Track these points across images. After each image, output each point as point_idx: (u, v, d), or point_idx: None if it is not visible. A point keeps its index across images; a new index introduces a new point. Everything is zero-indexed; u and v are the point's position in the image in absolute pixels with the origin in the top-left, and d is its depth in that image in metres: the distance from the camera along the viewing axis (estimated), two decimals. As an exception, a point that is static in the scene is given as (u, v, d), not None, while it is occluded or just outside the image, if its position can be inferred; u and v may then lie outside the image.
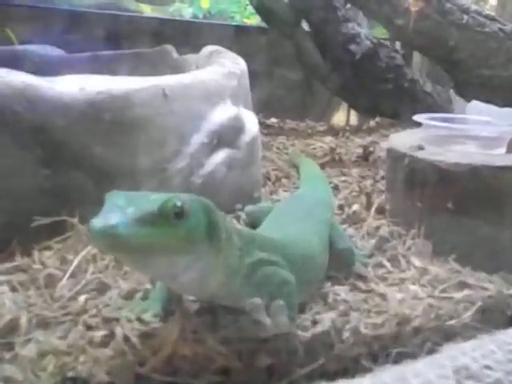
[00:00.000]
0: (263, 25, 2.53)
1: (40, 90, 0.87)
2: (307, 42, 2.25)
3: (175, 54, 1.66)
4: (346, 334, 0.73)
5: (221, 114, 1.18)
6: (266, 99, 2.63)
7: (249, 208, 1.11)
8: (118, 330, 0.68)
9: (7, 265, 0.82)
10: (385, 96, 2.43)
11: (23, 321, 0.69)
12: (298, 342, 0.69)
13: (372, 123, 2.58)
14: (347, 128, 2.44)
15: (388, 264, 0.98)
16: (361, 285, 0.89)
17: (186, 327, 0.67)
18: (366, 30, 2.31)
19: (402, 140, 1.20)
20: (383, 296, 0.85)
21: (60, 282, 0.79)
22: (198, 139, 1.12)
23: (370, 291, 0.87)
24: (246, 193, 1.21)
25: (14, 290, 0.77)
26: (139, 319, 0.71)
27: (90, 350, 0.65)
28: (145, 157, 1.01)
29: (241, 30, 2.50)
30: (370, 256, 1.00)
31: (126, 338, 0.67)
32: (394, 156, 1.16)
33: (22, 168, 0.87)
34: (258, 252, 0.69)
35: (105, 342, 0.67)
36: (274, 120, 2.62)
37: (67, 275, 0.79)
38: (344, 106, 2.84)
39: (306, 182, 1.29)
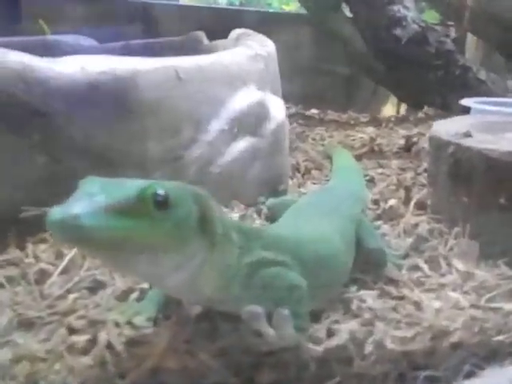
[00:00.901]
0: (302, 11, 2.42)
1: (38, 71, 0.80)
2: (348, 28, 2.11)
3: (206, 41, 1.58)
4: (368, 349, 0.62)
5: (243, 99, 1.08)
6: (306, 90, 2.52)
7: (271, 201, 1.01)
8: (102, 336, 0.60)
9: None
10: (434, 84, 2.25)
11: (3, 321, 0.62)
12: (308, 357, 0.59)
13: (420, 114, 2.41)
14: (392, 119, 2.29)
15: (425, 266, 0.85)
16: (391, 290, 0.77)
17: (177, 335, 0.58)
18: (413, 13, 2.14)
19: (446, 127, 1.06)
20: (417, 304, 0.73)
21: (52, 278, 0.72)
22: (216, 126, 1.03)
23: (401, 298, 0.75)
24: (270, 185, 1.11)
25: (0, 286, 0.71)
26: (130, 323, 0.63)
27: (68, 357, 0.57)
28: (156, 144, 0.93)
29: (279, 17, 2.39)
30: (405, 257, 0.88)
31: (110, 345, 0.59)
32: (437, 144, 1.02)
33: (18, 155, 0.81)
34: (260, 251, 0.59)
35: (86, 349, 0.59)
36: (314, 111, 2.50)
37: (58, 271, 0.72)
38: (392, 97, 2.68)
39: (337, 173, 1.17)
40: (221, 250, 0.55)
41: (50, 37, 1.79)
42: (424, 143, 1.58)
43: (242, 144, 1.07)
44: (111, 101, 0.86)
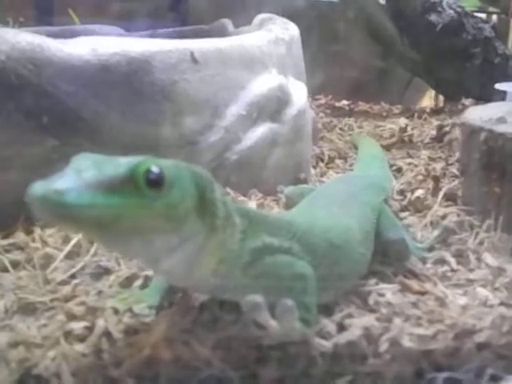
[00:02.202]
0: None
1: (47, 52, 0.78)
2: (381, 14, 2.03)
3: (231, 28, 1.55)
4: (383, 346, 0.57)
5: (263, 83, 1.04)
6: (338, 81, 2.44)
7: (289, 189, 0.97)
8: (100, 323, 0.57)
9: (5, 242, 0.74)
10: (471, 74, 2.14)
11: (0, 306, 0.61)
12: (317, 352, 0.55)
13: (459, 105, 2.30)
14: (426, 110, 2.19)
15: (452, 260, 0.79)
16: (413, 284, 0.71)
17: (175, 325, 0.55)
18: (449, -2, 2.04)
19: (479, 113, 0.99)
20: (440, 300, 0.67)
21: (56, 263, 0.70)
22: (234, 111, 0.99)
23: (423, 293, 0.69)
24: (290, 173, 1.07)
25: (4, 269, 0.70)
26: (130, 311, 0.60)
27: (64, 344, 0.55)
28: (170, 128, 0.90)
29: (310, 6, 2.33)
30: (431, 250, 0.82)
31: (107, 333, 0.56)
32: (469, 131, 0.95)
33: (27, 138, 0.79)
34: (265, 236, 0.55)
35: (83, 336, 0.56)
36: (344, 102, 2.42)
37: (61, 256, 0.70)
38: (430, 89, 2.58)
39: (360, 161, 1.11)
40: (221, 234, 0.52)
41: (78, 26, 1.80)
42: (458, 133, 1.51)
43: (261, 130, 1.02)
44: (124, 83, 0.83)
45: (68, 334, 0.57)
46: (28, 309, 0.63)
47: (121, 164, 0.46)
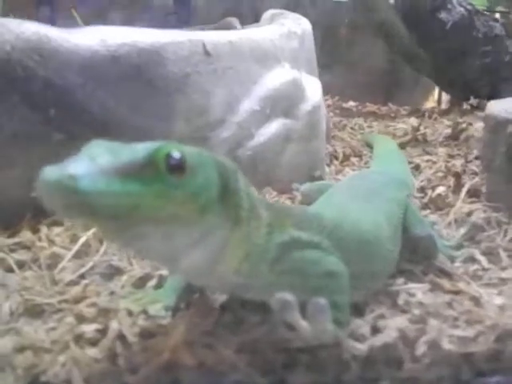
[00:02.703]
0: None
1: (54, 42, 0.75)
2: (390, 13, 2.00)
3: (238, 26, 1.52)
4: (420, 349, 0.53)
5: (276, 78, 1.00)
6: (344, 82, 2.41)
7: (306, 186, 0.92)
8: (113, 326, 0.52)
9: (10, 241, 0.70)
10: (481, 73, 2.10)
11: (5, 308, 0.56)
12: (350, 356, 0.50)
13: (465, 106, 2.26)
14: (435, 110, 2.15)
15: (483, 259, 0.74)
16: (444, 283, 0.67)
17: (196, 327, 0.50)
18: (458, -4, 2.00)
19: (504, 105, 0.95)
20: (476, 300, 0.63)
21: (64, 263, 0.66)
22: (247, 106, 0.95)
23: (457, 292, 0.65)
24: (305, 170, 1.03)
25: (9, 270, 0.65)
26: (145, 312, 0.56)
27: (74, 349, 0.50)
28: (181, 123, 0.86)
29: (318, 6, 2.31)
30: (459, 248, 0.78)
31: (121, 336, 0.51)
32: (494, 124, 0.91)
33: (32, 132, 0.75)
34: (292, 230, 0.51)
35: (95, 340, 0.52)
36: (352, 103, 2.39)
37: (70, 255, 0.66)
38: (434, 89, 2.55)
39: (378, 158, 1.07)
40: (246, 227, 0.47)
41: (82, 27, 1.76)
42: (474, 131, 1.47)
43: (275, 126, 0.98)
44: (133, 74, 0.79)
45: (79, 338, 0.52)
46: (35, 311, 0.58)
47: (139, 149, 0.41)
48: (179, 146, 0.43)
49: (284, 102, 1.00)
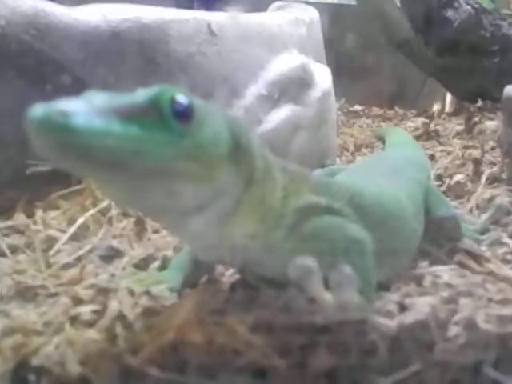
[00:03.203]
0: (344, 1, 2.30)
1: (52, 17, 0.71)
2: (394, 11, 1.97)
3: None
4: (454, 329, 0.47)
5: (284, 62, 0.96)
6: (349, 86, 2.38)
7: (318, 172, 0.88)
8: (113, 305, 0.47)
9: (3, 224, 0.65)
10: (489, 72, 2.06)
11: (-5, 289, 0.51)
12: (377, 336, 0.45)
13: (472, 108, 2.22)
14: (443, 112, 2.12)
15: (511, 242, 0.69)
16: (473, 265, 0.61)
17: (204, 305, 0.45)
18: (465, -6, 1.97)
19: (523, 88, 0.91)
20: (509, 280, 0.57)
21: (59, 245, 0.61)
22: (254, 91, 0.91)
23: (488, 273, 0.59)
24: (316, 158, 0.98)
25: (1, 254, 0.60)
26: (147, 293, 0.50)
27: (69, 330, 0.45)
28: (185, 106, 0.81)
29: (322, 8, 2.28)
30: (484, 231, 0.72)
31: (121, 316, 0.46)
32: (513, 106, 0.87)
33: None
34: (311, 195, 0.46)
35: (92, 321, 0.47)
36: (358, 107, 2.36)
37: (66, 237, 0.61)
38: (440, 92, 2.51)
39: (392, 144, 1.02)
40: (260, 188, 0.42)
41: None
42: (487, 127, 1.42)
43: (284, 112, 0.94)
44: (135, 51, 0.75)
45: (74, 320, 0.47)
46: (27, 294, 0.53)
47: (141, 92, 0.37)
48: (186, 91, 0.38)
49: (292, 88, 0.96)
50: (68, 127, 0.32)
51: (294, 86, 0.96)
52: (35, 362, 0.42)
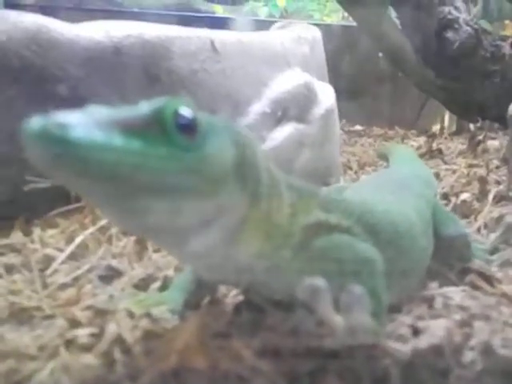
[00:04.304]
0: (344, 23, 2.32)
1: (54, 32, 0.70)
2: (394, 31, 1.98)
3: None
4: (469, 355, 0.45)
5: (287, 80, 0.95)
6: (349, 105, 2.38)
7: (323, 191, 0.85)
8: (111, 328, 0.45)
9: (-1, 243, 0.63)
10: (489, 93, 2.06)
11: (-12, 311, 0.49)
12: (389, 361, 0.42)
13: (473, 128, 2.22)
14: (444, 132, 2.12)
15: (523, 262, 0.67)
16: (484, 286, 0.59)
17: (207, 328, 0.43)
18: (464, 15, 1.98)
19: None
20: (524, 303, 0.55)
21: (56, 265, 0.59)
22: (257, 108, 0.90)
23: (501, 295, 0.57)
24: (320, 176, 0.96)
25: (-4, 273, 0.58)
26: (148, 315, 0.48)
27: (65, 355, 0.43)
28: (188, 123, 0.80)
29: (321, 29, 2.30)
30: (494, 251, 0.70)
31: (120, 340, 0.44)
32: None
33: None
34: (319, 212, 0.44)
35: (89, 345, 0.45)
36: (358, 127, 2.36)
37: (63, 257, 0.59)
38: (440, 113, 2.52)
39: (397, 161, 1.00)
40: (266, 205, 0.41)
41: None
42: (490, 145, 1.41)
43: (287, 129, 0.93)
44: (138, 67, 0.74)
45: (70, 343, 0.45)
46: (22, 316, 0.51)
47: (144, 105, 0.35)
48: (190, 103, 0.37)
49: (296, 106, 0.95)
50: (65, 139, 0.31)
51: (298, 104, 0.95)
52: (28, 389, 0.40)
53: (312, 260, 0.42)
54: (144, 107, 0.35)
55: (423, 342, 0.43)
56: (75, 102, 0.71)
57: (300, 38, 1.05)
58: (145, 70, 0.75)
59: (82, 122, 0.32)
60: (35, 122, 0.31)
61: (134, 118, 0.34)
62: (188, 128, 0.35)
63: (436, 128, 2.50)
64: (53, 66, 0.70)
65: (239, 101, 0.88)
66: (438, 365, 0.44)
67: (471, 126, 2.20)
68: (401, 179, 0.70)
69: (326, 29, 2.40)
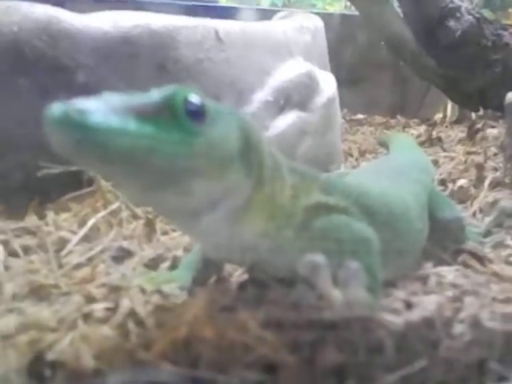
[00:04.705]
0: (346, 12, 2.33)
1: (64, 23, 0.73)
2: (396, 20, 1.99)
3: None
4: (459, 327, 0.48)
5: (289, 69, 0.98)
6: (350, 95, 2.39)
7: (323, 175, 0.88)
8: (124, 303, 0.48)
9: (14, 225, 0.67)
10: (491, 82, 2.07)
11: (8, 289, 0.52)
12: (384, 332, 0.46)
13: (474, 117, 2.23)
14: (445, 121, 2.13)
15: (514, 244, 0.70)
16: (476, 266, 0.63)
17: (214, 302, 0.46)
18: (466, 3, 1.99)
19: (525, 94, 0.92)
20: (513, 281, 0.58)
21: (71, 246, 0.62)
22: (260, 97, 0.92)
23: (492, 274, 0.60)
24: (321, 164, 0.99)
25: (14, 254, 0.61)
26: (159, 291, 0.52)
27: (83, 327, 0.46)
28: (193, 111, 0.83)
29: (323, 18, 2.31)
30: (487, 234, 0.74)
31: (133, 313, 0.47)
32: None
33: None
34: (319, 194, 0.47)
35: (105, 318, 0.48)
36: (360, 116, 2.37)
37: (77, 238, 0.62)
38: (442, 102, 2.53)
39: (397, 148, 1.03)
40: (270, 187, 0.44)
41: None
42: (489, 134, 1.44)
43: (290, 118, 0.95)
44: (145, 57, 0.77)
45: (87, 317, 0.48)
46: (41, 293, 0.54)
47: (155, 92, 0.38)
48: (198, 91, 0.40)
49: (298, 94, 0.97)
50: (85, 125, 0.34)
51: (300, 93, 0.98)
52: (50, 356, 0.43)
53: (312, 239, 0.45)
54: (155, 94, 0.38)
55: (415, 315, 0.46)
56: (86, 90, 0.74)
57: (302, 28, 1.07)
58: (152, 59, 0.77)
59: (100, 108, 0.35)
60: (56, 109, 0.34)
61: (147, 105, 0.37)
62: (197, 114, 0.38)
63: (438, 117, 2.52)
64: (63, 55, 0.73)
65: (243, 89, 0.90)
66: (430, 336, 0.48)
67: (473, 115, 2.22)
68: (399, 166, 0.73)
69: (328, 18, 2.42)
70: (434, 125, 1.95)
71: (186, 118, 0.38)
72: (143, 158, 0.36)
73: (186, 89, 0.39)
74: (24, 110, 0.72)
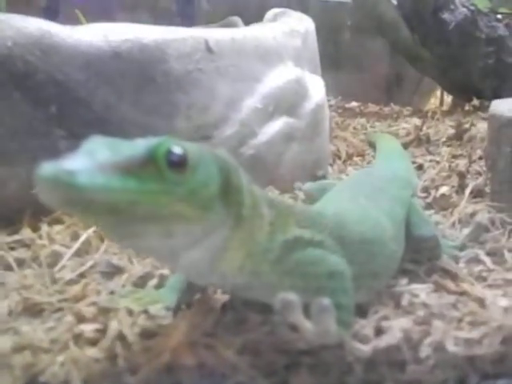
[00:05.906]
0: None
1: (56, 37, 0.74)
2: (393, 13, 1.99)
3: (241, 25, 1.51)
4: (424, 351, 0.52)
5: (279, 76, 0.99)
6: (346, 83, 2.40)
7: (308, 185, 0.91)
8: (113, 325, 0.52)
9: (10, 238, 0.69)
10: (484, 74, 2.09)
11: (4, 307, 0.56)
12: (353, 358, 0.49)
13: (467, 107, 2.25)
14: (437, 111, 2.14)
15: (487, 260, 0.73)
16: (448, 284, 0.66)
17: (197, 327, 0.50)
18: (461, -4, 1.99)
19: (508, 105, 0.94)
20: (481, 301, 0.62)
21: (64, 261, 0.65)
22: (250, 104, 0.94)
23: (461, 293, 0.64)
24: (308, 169, 1.02)
25: (8, 268, 0.65)
26: (145, 312, 0.55)
27: (74, 349, 0.50)
28: (184, 121, 0.85)
29: (318, 6, 2.30)
30: (463, 248, 0.77)
31: (121, 336, 0.51)
32: (498, 124, 0.90)
33: (33, 128, 0.74)
34: (296, 228, 0.50)
35: (95, 339, 0.51)
36: (354, 104, 2.38)
37: (70, 253, 0.65)
38: (436, 91, 2.54)
39: (381, 156, 1.06)
40: (248, 225, 0.47)
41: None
42: (477, 132, 1.46)
43: (278, 124, 0.98)
44: (135, 70, 0.78)
45: (78, 338, 0.52)
46: (34, 310, 0.58)
47: (138, 145, 0.41)
48: (180, 142, 0.42)
49: (287, 101, 0.99)
50: (74, 185, 0.36)
51: (289, 99, 1.00)
52: (42, 379, 0.47)
53: (288, 273, 0.49)
54: (140, 148, 0.40)
55: (383, 343, 0.50)
56: (75, 103, 0.76)
57: (292, 32, 1.08)
58: (142, 73, 0.79)
59: (87, 167, 0.37)
60: (46, 169, 0.37)
61: (130, 158, 0.39)
62: (178, 164, 0.41)
63: (430, 106, 2.53)
64: (55, 70, 0.74)
65: (233, 97, 0.92)
66: (397, 359, 0.51)
67: (466, 105, 2.24)
68: (380, 181, 0.76)
69: (323, 5, 2.40)
70: (425, 116, 1.97)
71: (168, 169, 0.40)
72: (126, 210, 0.39)
73: (168, 141, 0.41)
74: (17, 122, 0.74)
